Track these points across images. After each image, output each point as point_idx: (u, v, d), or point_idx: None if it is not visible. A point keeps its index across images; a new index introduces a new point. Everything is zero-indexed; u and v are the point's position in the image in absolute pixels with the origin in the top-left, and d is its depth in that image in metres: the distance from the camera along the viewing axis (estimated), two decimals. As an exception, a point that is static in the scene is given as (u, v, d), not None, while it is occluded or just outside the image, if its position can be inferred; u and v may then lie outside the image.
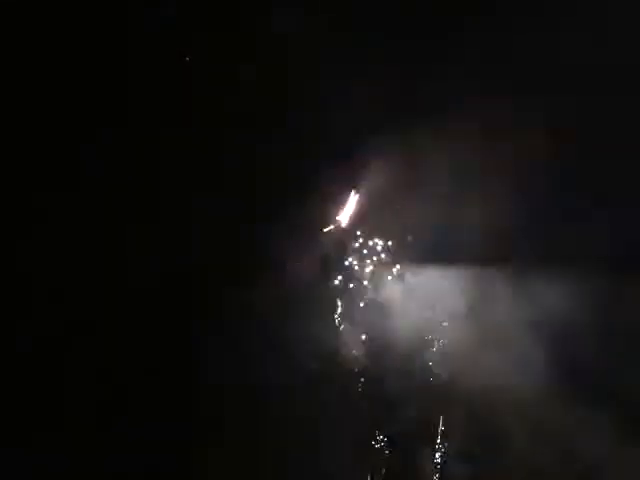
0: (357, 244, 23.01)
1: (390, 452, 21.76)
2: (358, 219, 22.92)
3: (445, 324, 22.49)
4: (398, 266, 22.82)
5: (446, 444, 21.77)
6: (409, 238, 22.75)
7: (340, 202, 22.71)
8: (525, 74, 21.08)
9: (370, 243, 23.01)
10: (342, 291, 22.83)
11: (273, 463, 20.42)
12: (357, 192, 22.62)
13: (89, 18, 19.98)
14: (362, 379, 22.24)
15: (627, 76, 20.33)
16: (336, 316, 22.60)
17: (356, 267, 22.96)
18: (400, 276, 22.82)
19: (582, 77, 20.52)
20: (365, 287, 22.96)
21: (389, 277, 22.90)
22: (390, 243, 22.90)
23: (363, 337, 22.45)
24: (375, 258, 22.98)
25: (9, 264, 19.75)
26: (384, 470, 21.60)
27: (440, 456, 21.70)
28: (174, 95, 20.58)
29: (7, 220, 19.79)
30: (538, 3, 20.93)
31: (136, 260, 20.58)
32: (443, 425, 21.87)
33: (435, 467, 21.68)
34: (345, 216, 22.80)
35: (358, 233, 22.99)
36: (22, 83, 19.93)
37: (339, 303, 22.71)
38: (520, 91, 20.82)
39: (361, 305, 22.83)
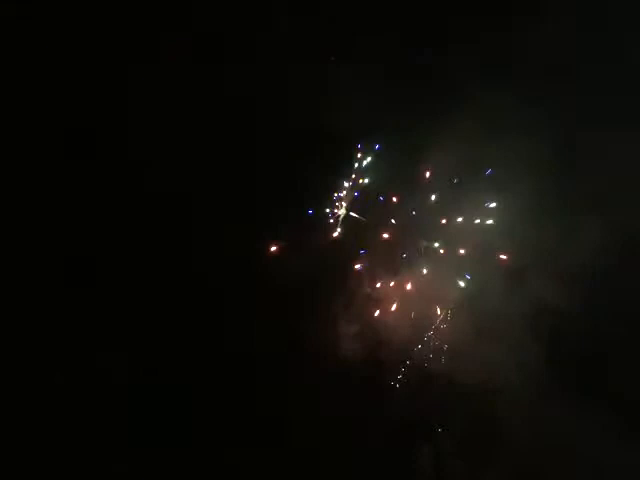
0: (356, 243, 23.20)
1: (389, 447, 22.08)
2: (357, 216, 23.10)
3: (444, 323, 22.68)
4: (397, 264, 22.92)
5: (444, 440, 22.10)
6: (408, 235, 22.79)
7: (340, 201, 22.87)
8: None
9: (369, 242, 23.17)
10: (342, 288, 23.03)
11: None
12: (356, 191, 22.83)
13: (90, 19, 19.96)
14: (361, 376, 22.45)
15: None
16: (336, 313, 22.81)
17: (355, 265, 23.17)
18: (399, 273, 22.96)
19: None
20: (365, 284, 23.16)
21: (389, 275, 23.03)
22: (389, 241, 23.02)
23: (362, 333, 22.60)
24: (374, 257, 23.15)
25: (9, 264, 19.85)
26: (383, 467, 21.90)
27: (438, 452, 21.99)
28: (174, 95, 20.57)
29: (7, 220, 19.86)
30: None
31: (136, 260, 20.70)
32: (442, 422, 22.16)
33: (433, 463, 21.98)
34: (345, 214, 22.97)
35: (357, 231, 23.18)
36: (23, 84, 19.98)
37: (339, 300, 22.93)
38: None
39: (361, 302, 23.03)
